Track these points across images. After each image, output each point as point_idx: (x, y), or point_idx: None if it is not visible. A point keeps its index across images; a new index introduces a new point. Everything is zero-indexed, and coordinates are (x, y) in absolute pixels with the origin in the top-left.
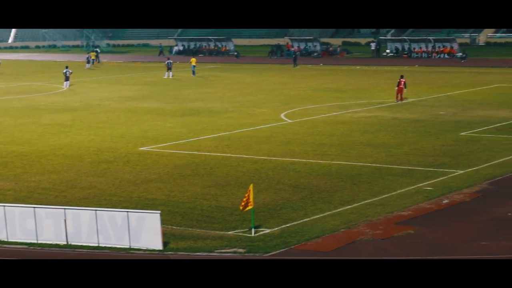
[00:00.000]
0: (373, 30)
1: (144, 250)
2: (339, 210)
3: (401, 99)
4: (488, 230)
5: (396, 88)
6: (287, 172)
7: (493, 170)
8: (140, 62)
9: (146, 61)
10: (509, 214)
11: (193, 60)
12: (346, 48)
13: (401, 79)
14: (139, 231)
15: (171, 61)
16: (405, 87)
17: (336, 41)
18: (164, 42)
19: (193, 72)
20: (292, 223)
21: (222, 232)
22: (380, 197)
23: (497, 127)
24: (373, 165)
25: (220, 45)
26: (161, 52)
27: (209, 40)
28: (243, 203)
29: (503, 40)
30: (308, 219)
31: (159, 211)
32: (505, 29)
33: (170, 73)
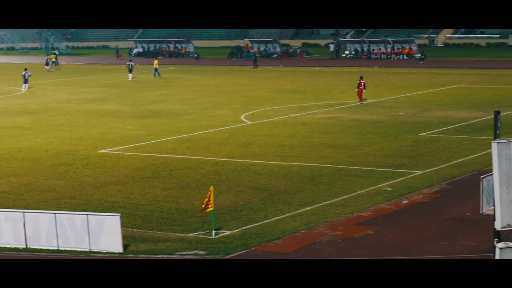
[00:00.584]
0: (332, 31)
1: (104, 253)
2: (299, 211)
3: (361, 99)
4: (447, 230)
5: (357, 89)
6: (247, 173)
7: (452, 171)
8: (100, 64)
9: (106, 63)
10: (468, 214)
11: (156, 62)
12: (305, 49)
13: (361, 81)
14: (99, 234)
15: (132, 63)
16: (365, 88)
17: (296, 43)
18: (124, 44)
19: (156, 74)
20: (253, 225)
21: (182, 234)
22: (340, 198)
23: (455, 127)
24: (333, 166)
25: (179, 47)
26: (118, 54)
27: (169, 42)
28: (203, 205)
29: (461, 41)
30: (268, 220)
31: (119, 214)
32: (463, 30)
33: (130, 75)
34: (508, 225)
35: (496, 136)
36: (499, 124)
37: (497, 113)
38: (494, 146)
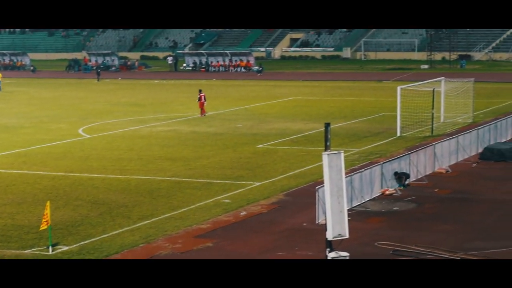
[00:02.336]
0: (171, 44)
1: None
2: (138, 225)
3: (204, 112)
4: (284, 241)
5: (198, 102)
6: (85, 188)
7: (289, 182)
8: None
9: None
10: (304, 224)
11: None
12: (144, 62)
13: (201, 94)
14: None
15: None
16: (205, 101)
17: (134, 55)
18: None
19: None
20: (91, 240)
21: (18, 251)
22: (179, 211)
23: (292, 139)
24: (172, 179)
25: (15, 60)
26: None
27: (4, 54)
28: (44, 221)
29: (297, 54)
30: (107, 235)
31: None
32: (299, 43)
33: None
34: (339, 235)
35: (326, 148)
36: (329, 136)
37: (327, 125)
38: (325, 157)
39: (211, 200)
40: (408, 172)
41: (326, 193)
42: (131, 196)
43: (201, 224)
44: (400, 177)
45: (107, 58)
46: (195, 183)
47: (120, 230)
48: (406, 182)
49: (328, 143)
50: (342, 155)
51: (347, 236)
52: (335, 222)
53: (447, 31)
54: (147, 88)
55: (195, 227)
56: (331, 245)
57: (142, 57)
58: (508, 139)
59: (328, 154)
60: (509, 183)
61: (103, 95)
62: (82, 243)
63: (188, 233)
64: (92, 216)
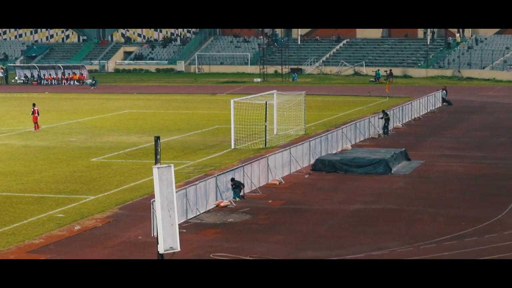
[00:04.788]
0: (1, 57)
1: None
2: None
3: (38, 127)
4: (120, 254)
5: (32, 116)
6: None
7: (124, 195)
8: None
9: None
10: (140, 237)
11: None
12: None
13: (34, 108)
14: None
15: None
16: (38, 115)
17: None
18: None
19: None
20: None
21: None
22: (11, 226)
23: (127, 152)
24: (4, 194)
25: None
26: None
27: None
28: None
29: (131, 67)
30: None
31: None
32: (132, 56)
33: None
34: (171, 248)
35: (157, 161)
36: (159, 149)
37: (157, 138)
38: (155, 171)
39: (44, 214)
40: (243, 183)
41: (157, 206)
42: None
43: (34, 239)
44: (237, 185)
45: None
46: (27, 198)
47: None
48: (242, 194)
49: (158, 156)
50: (173, 168)
51: (178, 249)
52: (166, 235)
53: (279, 45)
54: None
55: (28, 243)
56: (163, 258)
57: None
58: (338, 150)
59: (158, 167)
60: (340, 193)
61: None
62: None
63: (20, 249)
64: None
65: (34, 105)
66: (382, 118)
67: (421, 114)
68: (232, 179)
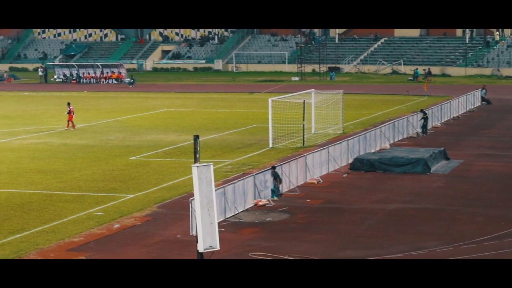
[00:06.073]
0: (41, 55)
1: None
2: (8, 239)
3: (73, 126)
4: (159, 253)
5: (67, 115)
6: None
7: (163, 193)
8: None
9: None
10: (178, 236)
11: None
12: (13, 74)
13: (70, 106)
14: None
15: None
16: (73, 114)
17: (3, 67)
18: None
19: None
20: None
21: None
22: (51, 224)
23: (165, 151)
24: (44, 192)
25: None
26: None
27: None
28: None
29: (169, 66)
30: None
31: None
32: (170, 55)
33: None
34: (211, 247)
35: (196, 160)
36: (198, 148)
37: (196, 137)
38: (194, 170)
39: (84, 213)
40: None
41: (196, 205)
42: (1, 210)
43: (74, 238)
44: (275, 176)
45: None
46: (67, 196)
47: None
48: (279, 192)
49: (197, 155)
50: (212, 167)
51: (218, 248)
52: (206, 234)
53: (317, 44)
54: (17, 100)
55: (67, 241)
56: (203, 257)
57: (11, 69)
58: (377, 149)
59: (197, 166)
60: (378, 192)
61: None
62: None
63: (60, 247)
64: None
65: (69, 104)
66: (422, 118)
67: (460, 113)
68: (273, 167)
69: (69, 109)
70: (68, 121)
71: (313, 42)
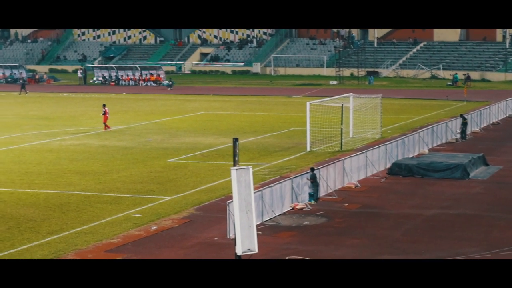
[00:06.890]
0: (80, 57)
1: None
2: (47, 239)
3: (108, 127)
4: (196, 255)
5: (103, 117)
6: None
7: (200, 196)
8: None
9: None
10: (216, 238)
11: None
12: (53, 75)
13: (105, 108)
14: None
15: None
16: (108, 115)
17: (43, 68)
18: None
19: None
20: None
21: None
22: (89, 225)
23: (203, 153)
24: (82, 193)
25: None
26: None
27: None
28: None
29: (207, 69)
30: (15, 250)
31: None
32: (209, 58)
33: None
34: (249, 250)
35: (235, 163)
36: (237, 151)
37: (235, 140)
38: (234, 172)
39: (122, 214)
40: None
41: (235, 208)
42: (40, 210)
43: (112, 239)
44: (313, 178)
45: (14, 71)
46: (105, 197)
47: (29, 245)
48: (317, 196)
49: (236, 158)
50: (251, 170)
51: (256, 251)
52: (244, 237)
53: (355, 48)
54: (56, 102)
55: (106, 242)
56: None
57: (51, 70)
58: (415, 154)
59: (236, 169)
60: (416, 197)
61: (11, 108)
62: None
63: (98, 248)
64: None
65: (104, 105)
66: (462, 123)
67: (499, 118)
68: (312, 169)
69: (104, 110)
70: (104, 123)
71: (351, 46)
